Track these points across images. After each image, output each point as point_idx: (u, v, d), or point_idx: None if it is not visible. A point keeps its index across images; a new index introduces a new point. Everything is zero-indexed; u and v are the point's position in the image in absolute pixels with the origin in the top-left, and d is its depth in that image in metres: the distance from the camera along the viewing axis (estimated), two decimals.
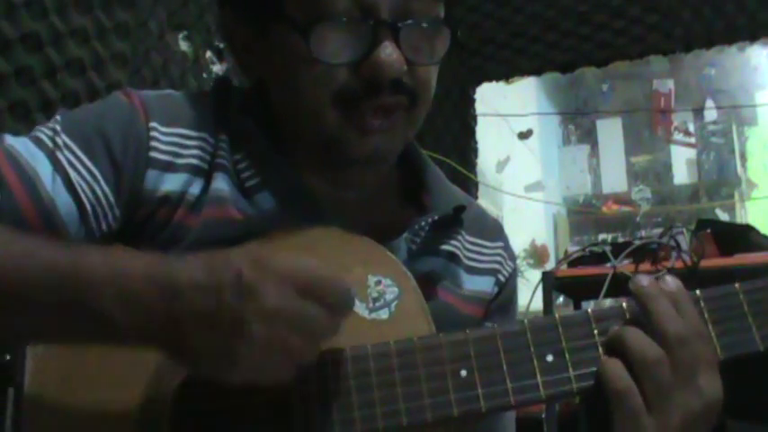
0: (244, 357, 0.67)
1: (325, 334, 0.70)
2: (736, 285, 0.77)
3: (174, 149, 0.86)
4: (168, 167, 0.86)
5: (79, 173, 0.82)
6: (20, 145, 0.83)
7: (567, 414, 2.43)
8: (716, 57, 6.04)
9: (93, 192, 0.82)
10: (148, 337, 0.69)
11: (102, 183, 0.83)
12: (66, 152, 0.83)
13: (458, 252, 0.97)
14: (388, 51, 0.81)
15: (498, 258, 1.02)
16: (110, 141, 0.84)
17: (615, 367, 0.74)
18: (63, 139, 0.83)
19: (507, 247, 1.05)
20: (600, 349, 0.76)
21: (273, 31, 0.86)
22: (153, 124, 0.86)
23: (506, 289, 1.03)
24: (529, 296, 2.58)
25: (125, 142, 0.84)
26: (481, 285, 0.99)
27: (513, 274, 1.05)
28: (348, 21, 0.81)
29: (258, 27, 0.88)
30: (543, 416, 2.42)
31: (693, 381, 0.73)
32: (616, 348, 0.75)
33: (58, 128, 0.84)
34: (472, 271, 0.99)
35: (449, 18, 0.87)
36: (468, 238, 0.99)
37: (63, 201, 0.81)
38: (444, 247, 0.96)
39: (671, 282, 0.76)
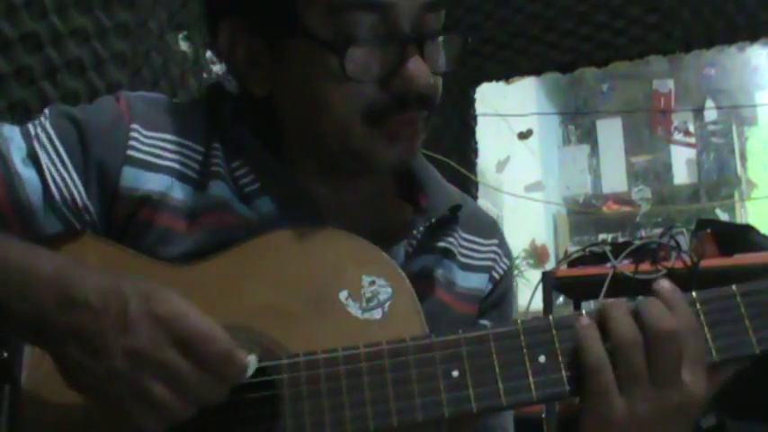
0: (102, 388, 0.70)
1: (199, 394, 0.71)
2: (734, 287, 0.77)
3: (155, 151, 0.88)
4: (148, 166, 0.87)
5: (49, 156, 0.85)
6: (7, 129, 0.87)
7: (567, 414, 2.43)
8: (716, 57, 6.04)
9: (60, 175, 0.85)
10: (36, 336, 0.74)
11: (71, 168, 0.85)
12: (43, 137, 0.85)
13: (453, 249, 0.97)
14: (418, 65, 0.83)
15: (492, 255, 1.02)
16: (86, 130, 0.86)
17: (593, 342, 0.74)
18: (45, 126, 0.86)
19: (502, 245, 1.05)
20: None
21: (291, 46, 0.85)
22: (134, 126, 0.87)
23: (500, 286, 1.03)
24: (529, 296, 2.58)
25: (101, 136, 0.86)
26: (475, 282, 0.99)
27: (508, 272, 1.05)
28: (376, 38, 0.82)
29: (270, 40, 0.87)
30: (543, 416, 2.42)
31: (675, 375, 0.74)
32: (600, 321, 0.76)
33: (43, 118, 0.87)
34: (466, 268, 0.99)
35: (451, 25, 0.89)
36: (463, 235, 1.00)
37: (31, 181, 0.83)
38: (440, 244, 0.96)
39: (665, 283, 0.77)
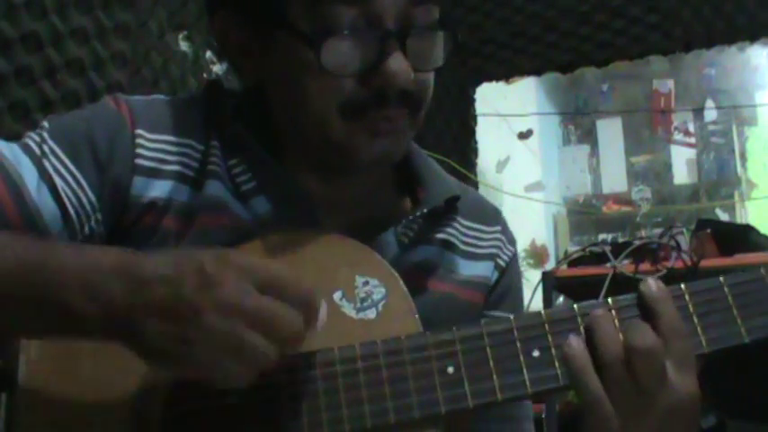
0: (198, 350, 0.67)
1: (288, 332, 0.69)
2: (721, 279, 0.78)
3: (160, 156, 0.87)
4: (154, 174, 0.87)
5: (65, 180, 0.84)
6: (7, 151, 0.84)
7: (567, 414, 2.43)
8: (716, 57, 6.03)
9: (78, 198, 0.84)
10: (110, 329, 0.69)
11: (87, 189, 0.85)
12: (53, 158, 0.84)
13: (453, 239, 0.97)
14: (398, 62, 0.81)
15: (497, 243, 1.02)
16: (96, 147, 0.85)
17: (587, 376, 0.74)
18: (50, 145, 0.85)
19: (506, 231, 1.04)
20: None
21: (275, 38, 0.85)
22: (139, 131, 0.87)
23: (507, 275, 1.02)
24: (529, 296, 2.58)
25: (111, 148, 0.86)
26: (480, 270, 0.99)
27: (514, 259, 1.04)
28: (356, 32, 0.81)
29: (258, 31, 0.87)
30: (543, 416, 2.42)
31: (660, 382, 0.74)
32: (587, 333, 0.75)
33: (46, 135, 0.86)
34: (470, 256, 0.98)
35: (447, 21, 0.87)
36: (464, 223, 0.99)
37: (48, 208, 0.83)
38: (439, 235, 0.96)
39: (651, 285, 0.77)
